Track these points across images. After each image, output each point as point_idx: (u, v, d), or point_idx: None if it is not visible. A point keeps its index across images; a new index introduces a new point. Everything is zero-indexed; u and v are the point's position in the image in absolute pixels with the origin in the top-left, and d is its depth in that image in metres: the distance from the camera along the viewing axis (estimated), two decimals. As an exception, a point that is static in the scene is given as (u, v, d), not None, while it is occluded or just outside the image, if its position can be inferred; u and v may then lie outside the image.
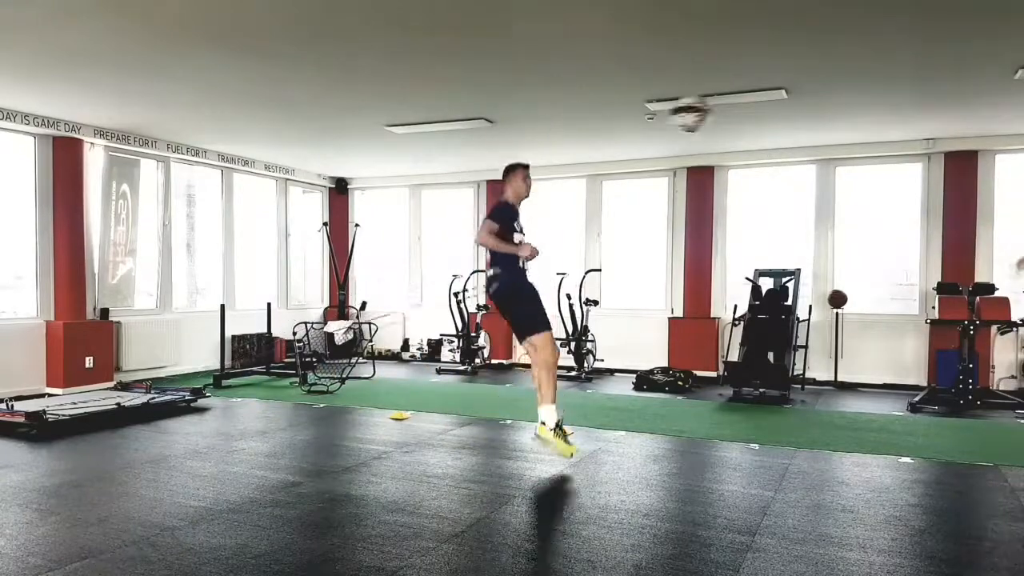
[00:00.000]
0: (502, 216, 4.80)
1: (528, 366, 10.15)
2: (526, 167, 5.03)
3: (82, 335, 7.84)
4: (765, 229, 9.47)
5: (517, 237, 4.80)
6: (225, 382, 8.39)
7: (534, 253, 4.70)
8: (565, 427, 4.79)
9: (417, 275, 11.58)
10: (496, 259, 4.81)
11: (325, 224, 10.84)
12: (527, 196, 5.01)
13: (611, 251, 10.27)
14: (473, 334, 10.05)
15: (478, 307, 10.31)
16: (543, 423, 4.67)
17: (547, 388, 4.65)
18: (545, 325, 4.70)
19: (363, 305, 10.24)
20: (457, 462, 4.93)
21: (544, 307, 4.85)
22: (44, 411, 5.74)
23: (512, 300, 4.79)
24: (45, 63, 5.72)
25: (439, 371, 9.85)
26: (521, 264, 4.80)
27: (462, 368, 9.85)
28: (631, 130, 7.94)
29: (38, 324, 7.73)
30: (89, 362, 7.86)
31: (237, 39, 5.15)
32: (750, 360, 7.88)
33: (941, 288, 7.80)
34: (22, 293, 7.82)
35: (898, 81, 6.10)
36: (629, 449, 5.35)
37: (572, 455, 4.67)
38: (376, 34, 5.04)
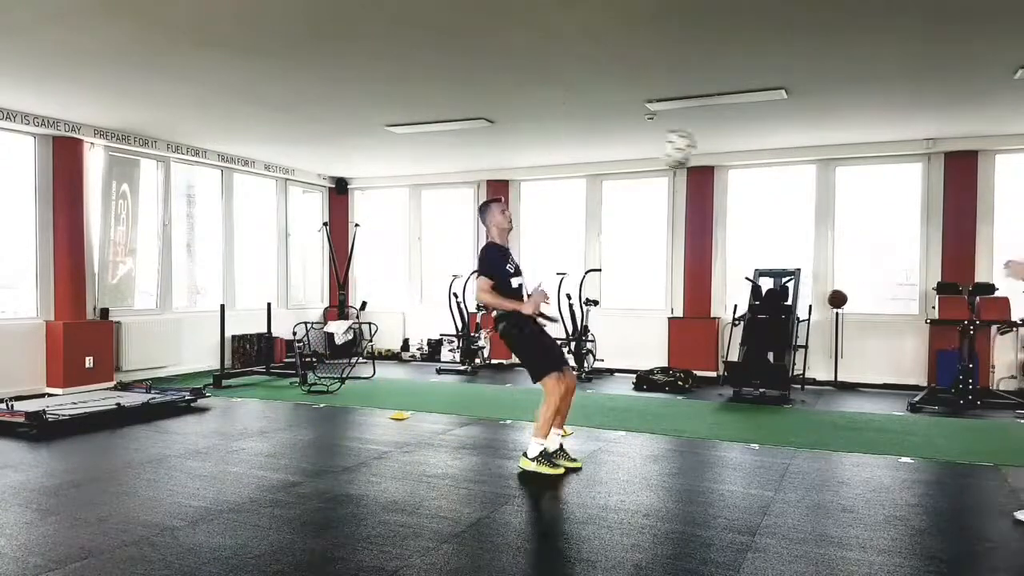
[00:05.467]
0: (493, 264, 4.64)
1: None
2: (500, 200, 4.91)
3: (82, 335, 7.84)
4: (765, 229, 9.47)
5: (515, 281, 4.65)
6: (225, 382, 8.38)
7: (537, 306, 4.53)
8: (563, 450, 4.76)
9: (417, 275, 11.57)
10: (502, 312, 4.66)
11: (325, 224, 10.83)
12: (510, 228, 4.83)
13: (611, 251, 10.27)
14: (473, 334, 10.05)
15: (478, 307, 10.31)
16: (525, 454, 4.65)
17: (544, 423, 4.57)
18: (548, 368, 4.55)
19: (363, 305, 10.24)
20: (457, 462, 4.93)
21: (549, 345, 4.69)
22: (44, 411, 5.74)
23: (515, 345, 4.65)
24: (45, 63, 5.72)
25: (439, 371, 9.85)
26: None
27: (462, 368, 9.85)
28: (631, 130, 7.93)
29: (38, 324, 7.72)
30: (89, 362, 7.86)
31: (237, 39, 5.15)
32: (750, 360, 7.88)
33: (941, 288, 7.80)
34: (22, 293, 7.83)
35: (898, 81, 6.10)
36: (629, 449, 5.35)
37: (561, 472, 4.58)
38: (376, 34, 5.04)
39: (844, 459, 5.08)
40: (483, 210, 4.84)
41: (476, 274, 4.66)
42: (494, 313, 4.72)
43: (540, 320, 4.68)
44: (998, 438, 5.94)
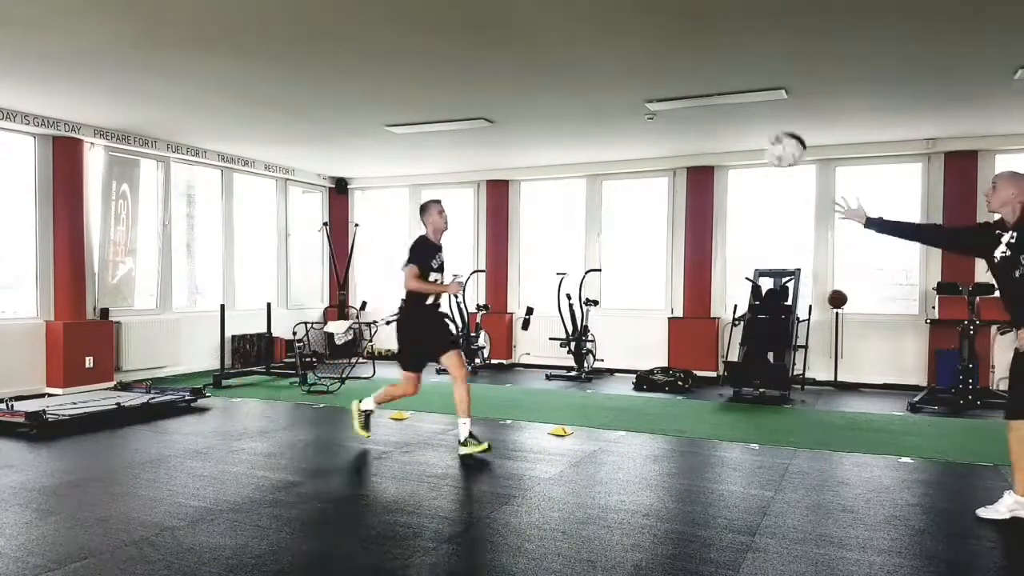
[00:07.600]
0: (420, 257, 5.09)
1: (528, 366, 10.20)
2: (438, 202, 5.30)
3: (82, 335, 7.83)
4: (765, 229, 9.46)
5: (434, 276, 5.10)
6: (225, 382, 8.38)
7: (457, 290, 5.25)
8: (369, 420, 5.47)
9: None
10: (408, 294, 5.14)
11: (325, 224, 10.84)
12: (446, 229, 5.26)
13: (611, 251, 10.27)
14: (473, 334, 10.04)
15: (478, 307, 10.31)
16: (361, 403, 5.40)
17: (383, 395, 5.29)
18: (408, 366, 5.20)
19: (363, 305, 10.24)
20: (457, 462, 4.93)
21: (420, 349, 5.18)
22: (44, 411, 5.74)
23: (399, 334, 5.25)
24: (45, 63, 5.72)
25: (439, 371, 9.82)
26: (431, 301, 5.16)
27: (462, 368, 9.82)
28: (631, 130, 7.93)
29: (38, 324, 7.72)
30: (89, 362, 7.86)
31: (237, 39, 5.15)
32: (750, 360, 7.88)
33: (941, 288, 7.80)
34: (22, 293, 7.82)
35: (898, 81, 6.09)
36: (629, 449, 5.35)
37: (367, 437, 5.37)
38: (376, 34, 5.04)
39: (844, 459, 5.08)
40: (424, 209, 5.25)
41: (405, 263, 5.08)
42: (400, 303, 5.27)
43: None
44: (998, 438, 5.89)
